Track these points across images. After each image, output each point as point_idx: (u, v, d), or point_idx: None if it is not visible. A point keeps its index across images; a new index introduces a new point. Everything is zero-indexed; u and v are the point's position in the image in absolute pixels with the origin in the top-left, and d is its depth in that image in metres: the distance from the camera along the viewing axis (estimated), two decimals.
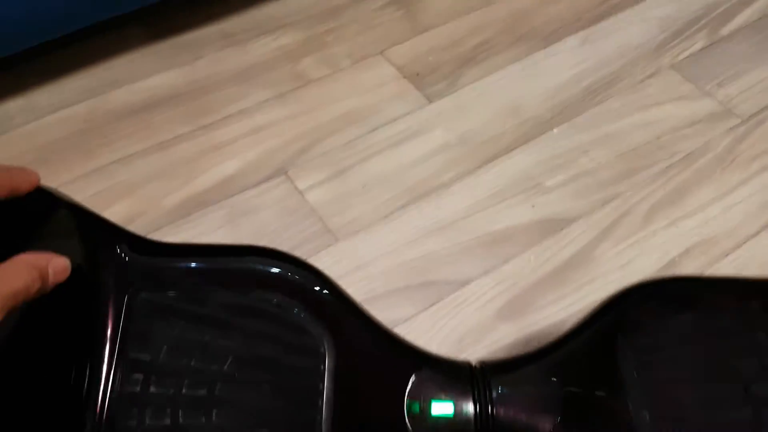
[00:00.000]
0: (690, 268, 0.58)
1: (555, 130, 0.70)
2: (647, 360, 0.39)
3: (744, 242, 0.60)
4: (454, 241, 0.61)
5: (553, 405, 0.39)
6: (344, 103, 0.72)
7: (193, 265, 0.42)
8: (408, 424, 0.38)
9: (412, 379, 0.40)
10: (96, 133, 0.70)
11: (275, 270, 0.43)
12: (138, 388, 0.37)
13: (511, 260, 0.59)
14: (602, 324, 0.42)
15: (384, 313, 0.55)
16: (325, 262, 0.59)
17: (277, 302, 0.41)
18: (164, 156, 0.68)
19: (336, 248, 0.61)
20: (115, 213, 0.63)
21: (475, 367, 0.42)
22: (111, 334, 0.38)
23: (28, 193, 0.37)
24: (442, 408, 0.39)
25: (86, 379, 0.37)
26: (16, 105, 0.72)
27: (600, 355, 0.40)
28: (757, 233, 0.61)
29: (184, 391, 0.38)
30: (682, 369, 0.39)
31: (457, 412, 0.39)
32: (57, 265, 0.35)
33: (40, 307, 0.36)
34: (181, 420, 0.37)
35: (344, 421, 0.38)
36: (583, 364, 0.41)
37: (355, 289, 0.57)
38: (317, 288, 0.43)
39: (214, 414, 0.37)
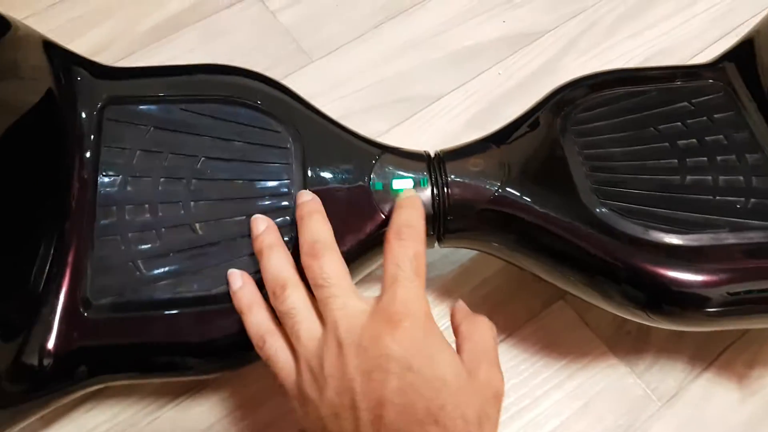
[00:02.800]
0: None
1: None
2: (582, 130, 0.44)
3: (700, 52, 0.63)
4: (427, 58, 0.63)
5: (495, 176, 0.43)
6: None
7: (158, 79, 0.44)
8: (374, 200, 0.42)
9: (375, 162, 0.44)
10: None
11: (235, 80, 0.45)
12: (115, 189, 0.41)
13: (481, 74, 0.62)
14: (544, 107, 0.46)
15: (360, 129, 0.58)
16: (300, 82, 0.61)
17: (241, 110, 0.43)
18: None
19: (311, 68, 0.62)
20: (89, 40, 0.63)
21: (431, 154, 0.46)
22: (83, 143, 0.41)
23: None
24: (402, 183, 0.43)
25: (64, 188, 0.40)
26: None
27: (543, 132, 0.45)
28: (713, 42, 0.63)
29: (159, 188, 0.41)
30: (615, 133, 0.44)
31: (416, 186, 0.43)
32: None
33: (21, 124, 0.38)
34: (159, 213, 0.40)
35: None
36: (528, 140, 0.45)
37: (331, 107, 0.60)
38: (280, 95, 0.45)
39: (191, 206, 0.41)
